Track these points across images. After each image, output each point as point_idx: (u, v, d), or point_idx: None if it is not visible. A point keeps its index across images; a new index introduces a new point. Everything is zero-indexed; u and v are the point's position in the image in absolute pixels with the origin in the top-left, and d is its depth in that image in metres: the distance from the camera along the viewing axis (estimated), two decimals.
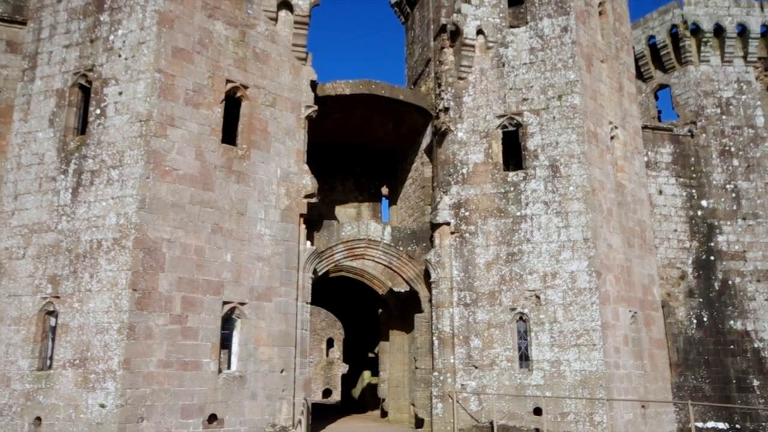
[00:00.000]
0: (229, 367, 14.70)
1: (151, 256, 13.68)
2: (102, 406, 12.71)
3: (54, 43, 16.11)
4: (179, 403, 13.45)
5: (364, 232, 18.95)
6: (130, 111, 14.51)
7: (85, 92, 15.52)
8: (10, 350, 14.15)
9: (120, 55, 15.04)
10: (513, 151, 18.76)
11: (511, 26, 19.49)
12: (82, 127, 15.32)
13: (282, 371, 15.35)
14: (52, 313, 14.07)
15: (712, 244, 22.60)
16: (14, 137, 15.86)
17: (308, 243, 16.89)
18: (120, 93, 14.77)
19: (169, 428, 13.18)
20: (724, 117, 23.98)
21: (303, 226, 16.66)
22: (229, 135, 15.79)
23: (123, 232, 13.67)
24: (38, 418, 13.24)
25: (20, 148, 15.67)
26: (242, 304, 14.97)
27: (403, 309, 21.26)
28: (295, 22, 17.39)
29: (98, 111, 14.92)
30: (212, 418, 13.89)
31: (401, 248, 19.23)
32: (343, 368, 34.69)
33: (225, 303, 14.65)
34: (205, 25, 15.72)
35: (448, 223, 18.41)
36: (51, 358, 13.84)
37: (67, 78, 15.61)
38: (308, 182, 16.77)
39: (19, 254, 14.78)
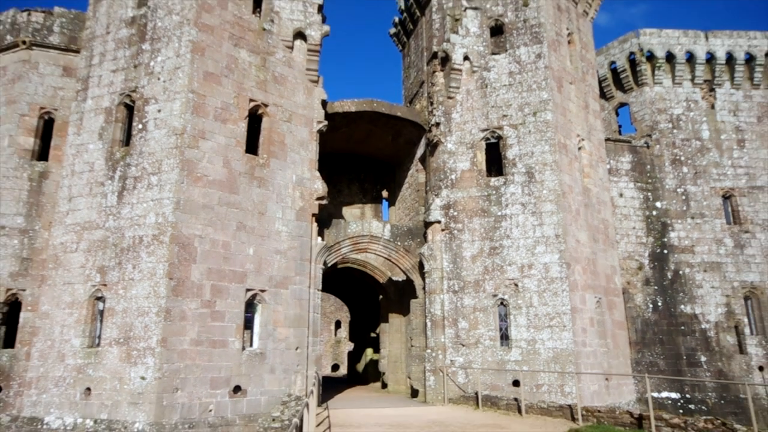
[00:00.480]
0: (251, 345, 14.81)
1: (185, 249, 13.84)
2: (143, 378, 12.88)
3: (103, 68, 16.32)
4: (208, 376, 13.60)
5: (367, 230, 19.00)
6: (168, 126, 14.66)
7: (129, 110, 15.73)
8: (65, 330, 14.35)
9: (159, 78, 15.22)
10: (495, 160, 18.78)
11: (493, 53, 19.55)
12: (127, 140, 15.54)
13: (297, 349, 15.48)
14: (100, 299, 14.30)
15: (666, 239, 22.49)
16: (69, 148, 16.06)
17: (319, 238, 17.00)
18: (159, 110, 14.93)
19: (199, 397, 13.32)
20: (675, 131, 23.88)
21: (315, 224, 16.77)
22: (251, 146, 15.96)
23: (161, 229, 13.83)
24: (88, 389, 13.46)
25: (74, 158, 15.85)
26: (263, 291, 15.10)
27: (400, 295, 21.25)
28: (309, 50, 17.55)
29: (140, 126, 15.11)
30: (237, 389, 14.02)
31: (399, 243, 19.27)
32: (349, 346, 34.56)
33: (248, 290, 14.81)
34: (232, 53, 15.91)
35: (439, 222, 18.48)
36: (99, 337, 14.05)
37: (114, 98, 15.83)
38: (319, 186, 16.86)
39: (72, 248, 14.97)
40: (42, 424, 13.40)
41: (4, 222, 15.07)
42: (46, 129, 16.25)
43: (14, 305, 14.74)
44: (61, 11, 17.02)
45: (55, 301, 14.54)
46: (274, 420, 12.71)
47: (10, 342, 14.55)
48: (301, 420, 7.81)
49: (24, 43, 16.32)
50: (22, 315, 14.65)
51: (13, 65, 16.39)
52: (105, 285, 13.96)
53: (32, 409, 13.82)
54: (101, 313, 14.13)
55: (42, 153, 16.05)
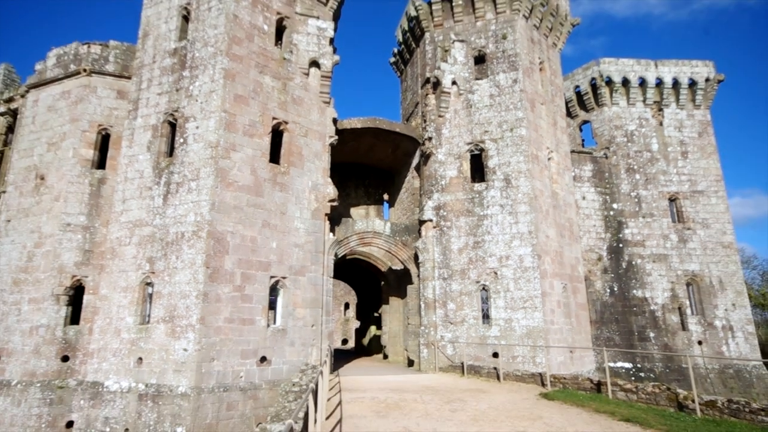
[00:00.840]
0: (274, 323, 14.83)
1: (219, 243, 13.86)
2: (185, 350, 12.95)
3: (150, 91, 16.32)
4: (239, 348, 13.64)
5: (371, 227, 19.06)
6: (204, 140, 14.67)
7: (172, 127, 15.71)
8: (120, 310, 14.45)
9: (197, 100, 15.22)
10: (478, 169, 18.89)
11: (477, 78, 19.64)
12: (170, 151, 15.52)
13: (312, 326, 15.49)
14: (149, 284, 14.32)
15: (621, 235, 22.65)
16: (122, 159, 16.11)
17: (331, 234, 16.98)
18: (197, 127, 14.94)
19: (232, 366, 13.38)
20: (629, 144, 24.03)
21: (327, 222, 16.73)
22: (274, 156, 15.94)
23: (199, 226, 13.85)
24: (140, 358, 13.58)
25: (126, 167, 15.88)
26: (284, 278, 15.10)
27: (399, 282, 21.28)
28: (322, 76, 17.50)
29: (181, 140, 15.12)
30: (263, 359, 14.08)
31: (397, 238, 19.32)
32: (356, 324, 34.57)
33: (272, 277, 14.81)
34: (258, 78, 15.89)
35: (431, 220, 18.59)
36: (149, 315, 14.10)
37: (159, 116, 15.82)
38: (331, 191, 16.84)
39: (126, 242, 15.03)
40: (102, 387, 13.57)
41: (70, 220, 15.15)
42: (103, 143, 16.28)
43: (78, 289, 14.87)
44: (115, 44, 17.04)
45: (112, 285, 14.63)
46: (294, 385, 12.77)
47: (75, 319, 14.64)
48: (317, 385, 7.91)
49: (85, 71, 16.41)
50: (85, 297, 14.74)
51: (76, 89, 16.47)
52: (153, 272, 14.03)
53: (94, 375, 13.97)
54: (150, 296, 14.17)
55: (100, 162, 16.09)
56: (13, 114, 18.78)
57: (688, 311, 22.01)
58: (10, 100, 18.87)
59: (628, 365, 21.01)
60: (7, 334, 14.70)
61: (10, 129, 19.02)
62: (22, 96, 18.06)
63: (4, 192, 16.90)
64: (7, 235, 15.89)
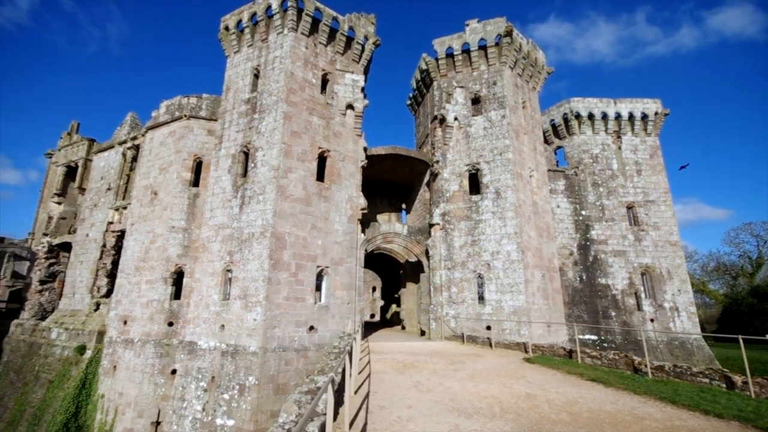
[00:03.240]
0: (320, 301, 14.87)
1: (279, 241, 14.01)
2: (254, 320, 13.14)
3: (231, 129, 16.65)
4: (294, 319, 13.75)
5: (392, 229, 19.01)
6: (269, 164, 14.90)
7: (246, 155, 16.00)
8: (209, 290, 14.75)
9: (263, 135, 15.49)
10: (474, 184, 18.73)
11: (473, 115, 19.48)
12: (244, 173, 15.78)
13: (348, 303, 15.48)
14: (229, 271, 14.56)
15: (588, 235, 21.97)
16: (210, 179, 16.47)
17: (362, 234, 16.97)
18: (264, 155, 15.19)
19: (289, 333, 13.52)
20: (594, 164, 23.32)
21: (359, 225, 16.75)
22: (320, 176, 16.07)
23: (265, 228, 14.04)
24: (222, 325, 13.80)
25: (213, 185, 16.23)
26: (327, 267, 15.14)
27: (413, 270, 21.21)
28: (355, 116, 17.60)
29: (252, 165, 15.37)
30: (311, 328, 14.13)
31: (413, 237, 19.21)
32: (381, 302, 34.59)
33: (318, 266, 14.86)
34: (308, 118, 16.07)
35: (438, 224, 18.46)
36: (229, 294, 14.33)
37: (237, 148, 16.11)
38: (362, 201, 16.86)
39: (213, 240, 15.33)
40: (196, 346, 13.94)
41: (174, 224, 15.64)
42: (197, 167, 16.75)
43: (180, 274, 15.33)
44: (207, 96, 17.60)
45: (203, 271, 15.00)
46: (334, 348, 12.82)
47: (177, 296, 15.11)
48: (351, 348, 7.99)
49: (185, 116, 17.00)
50: (184, 280, 15.18)
51: (179, 129, 17.04)
52: (232, 262, 14.32)
53: (191, 336, 14.33)
54: (230, 279, 14.45)
55: (195, 182, 16.53)
56: (137, 148, 19.74)
57: (643, 295, 21.11)
58: (134, 138, 19.86)
59: (594, 337, 20.33)
60: (131, 306, 15.31)
61: (134, 159, 20.01)
62: (143, 135, 18.97)
63: (129, 204, 17.75)
64: (131, 234, 16.62)
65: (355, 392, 7.26)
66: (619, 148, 23.72)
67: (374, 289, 42.92)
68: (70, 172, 23.20)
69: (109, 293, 17.73)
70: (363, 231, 17.28)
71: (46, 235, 21.95)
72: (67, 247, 21.19)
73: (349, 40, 18.09)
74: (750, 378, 7.29)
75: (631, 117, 23.80)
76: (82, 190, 21.86)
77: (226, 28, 17.98)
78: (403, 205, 24.79)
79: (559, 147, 25.57)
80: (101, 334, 15.83)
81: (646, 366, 9.14)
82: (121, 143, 20.44)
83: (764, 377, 7.30)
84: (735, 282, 39.56)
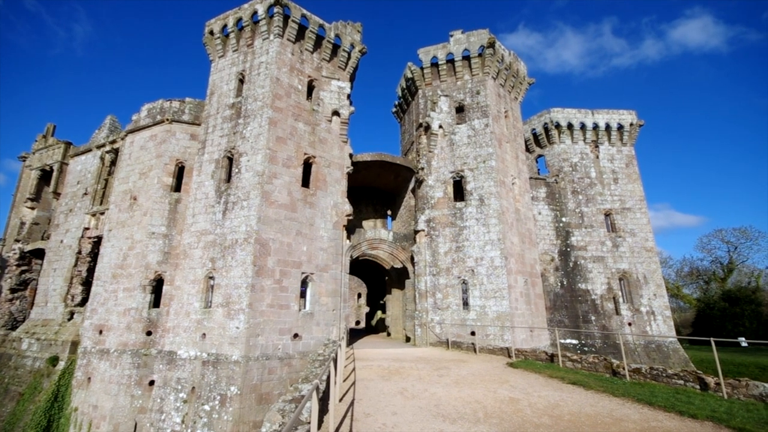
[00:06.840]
0: (305, 308, 14.70)
1: (263, 247, 13.81)
2: (237, 328, 12.88)
3: (214, 134, 16.41)
4: (278, 327, 13.53)
5: (377, 235, 18.91)
6: (253, 170, 14.71)
7: (230, 160, 15.77)
8: (190, 297, 14.40)
9: (248, 141, 15.30)
10: (458, 191, 18.85)
11: (457, 123, 19.70)
12: (228, 179, 15.56)
13: (333, 310, 15.32)
14: (212, 278, 14.27)
15: (569, 241, 22.46)
16: (193, 184, 16.16)
17: (347, 241, 16.87)
18: (248, 160, 15.00)
19: (272, 341, 13.29)
20: (573, 172, 23.95)
21: (344, 232, 16.65)
22: (305, 182, 15.96)
23: (249, 234, 13.82)
24: (204, 334, 13.49)
25: (196, 190, 15.93)
26: (312, 273, 14.98)
27: (399, 277, 21.15)
28: (341, 122, 17.57)
29: (236, 170, 15.15)
30: (295, 335, 13.94)
31: (398, 243, 19.16)
32: (366, 309, 34.39)
33: (303, 273, 14.69)
34: (293, 124, 15.95)
35: (423, 230, 18.47)
36: (210, 302, 14.03)
37: (220, 153, 15.87)
38: (348, 208, 16.78)
39: (195, 246, 15.02)
40: (176, 355, 13.56)
41: (154, 230, 15.27)
42: (179, 172, 16.45)
43: (159, 281, 14.96)
44: (190, 100, 17.32)
45: (184, 279, 14.65)
46: (319, 355, 12.70)
47: (156, 304, 14.73)
48: (336, 355, 7.91)
49: (167, 120, 16.68)
50: (164, 288, 14.82)
51: (161, 133, 16.71)
52: (214, 269, 14.06)
53: (170, 346, 13.95)
54: (212, 287, 14.17)
55: (176, 187, 16.21)
56: (116, 152, 19.21)
57: (621, 300, 21.68)
58: (113, 141, 19.32)
59: (574, 341, 20.69)
60: (107, 315, 14.80)
61: (113, 163, 19.45)
62: (122, 139, 18.48)
63: (107, 209, 17.20)
64: (109, 241, 16.11)
65: (340, 400, 7.19)
66: (597, 157, 24.49)
67: (359, 295, 42.65)
68: (45, 176, 22.34)
69: (83, 302, 17.06)
70: (348, 237, 17.17)
71: (18, 241, 20.99)
72: (40, 253, 20.31)
73: (336, 48, 18.17)
74: (722, 380, 7.54)
75: (608, 127, 24.66)
76: (57, 194, 21.06)
77: (211, 33, 17.82)
78: (389, 212, 24.80)
79: (540, 155, 26.17)
80: (75, 345, 15.18)
81: (624, 369, 9.36)
82: (99, 147, 19.85)
83: (736, 379, 7.59)
84: (708, 287, 41.10)
